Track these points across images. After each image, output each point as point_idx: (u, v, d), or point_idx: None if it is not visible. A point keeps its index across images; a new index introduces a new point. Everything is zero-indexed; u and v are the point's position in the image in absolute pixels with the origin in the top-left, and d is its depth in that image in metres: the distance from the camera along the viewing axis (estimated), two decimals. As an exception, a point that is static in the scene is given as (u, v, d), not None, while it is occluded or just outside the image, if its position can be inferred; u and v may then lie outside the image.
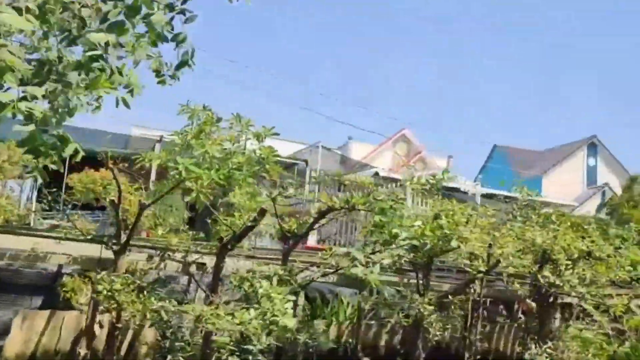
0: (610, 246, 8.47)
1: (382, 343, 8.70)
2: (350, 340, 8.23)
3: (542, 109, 61.34)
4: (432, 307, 7.55)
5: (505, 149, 38.69)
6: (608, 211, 14.18)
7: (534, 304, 7.33)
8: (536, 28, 58.73)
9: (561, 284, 7.75)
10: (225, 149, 7.35)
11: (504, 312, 11.72)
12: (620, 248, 8.36)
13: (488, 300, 11.84)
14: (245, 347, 5.95)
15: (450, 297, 7.58)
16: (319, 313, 8.62)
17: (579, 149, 35.46)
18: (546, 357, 8.17)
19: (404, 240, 5.86)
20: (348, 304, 9.11)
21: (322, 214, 6.45)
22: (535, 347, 8.36)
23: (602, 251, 8.05)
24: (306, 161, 18.69)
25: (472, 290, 8.36)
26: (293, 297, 5.18)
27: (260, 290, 5.24)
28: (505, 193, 18.13)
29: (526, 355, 8.55)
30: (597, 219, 9.38)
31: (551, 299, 8.93)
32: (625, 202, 13.92)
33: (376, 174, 22.10)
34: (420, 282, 7.91)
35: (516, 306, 10.39)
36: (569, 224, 8.62)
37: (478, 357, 8.28)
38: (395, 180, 21.18)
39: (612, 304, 7.70)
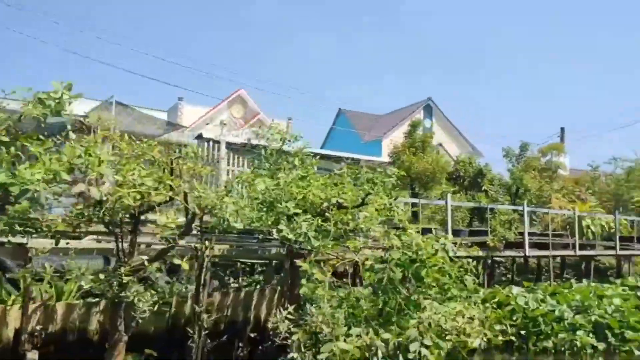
0: (360, 192, 7.53)
1: (93, 326, 6.97)
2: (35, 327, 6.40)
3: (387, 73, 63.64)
4: (130, 278, 5.99)
5: (349, 113, 38.90)
6: (391, 159, 13.87)
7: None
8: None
9: (294, 238, 6.60)
10: None
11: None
12: (370, 194, 7.46)
13: (273, 262, 10.69)
14: None
15: (147, 264, 6.01)
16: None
17: (415, 111, 36.51)
18: (289, 325, 7.05)
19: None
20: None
21: None
22: (278, 314, 7.21)
23: (345, 199, 7.05)
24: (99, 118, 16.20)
25: (200, 253, 6.91)
26: None
27: None
28: (349, 155, 17.93)
29: (269, 324, 7.41)
30: (350, 165, 8.42)
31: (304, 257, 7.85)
32: (407, 148, 13.61)
33: (199, 135, 20.47)
34: (122, 247, 6.26)
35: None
36: (315, 169, 7.51)
37: (206, 331, 6.89)
38: (218, 142, 19.56)
39: (350, 257, 6.75)
